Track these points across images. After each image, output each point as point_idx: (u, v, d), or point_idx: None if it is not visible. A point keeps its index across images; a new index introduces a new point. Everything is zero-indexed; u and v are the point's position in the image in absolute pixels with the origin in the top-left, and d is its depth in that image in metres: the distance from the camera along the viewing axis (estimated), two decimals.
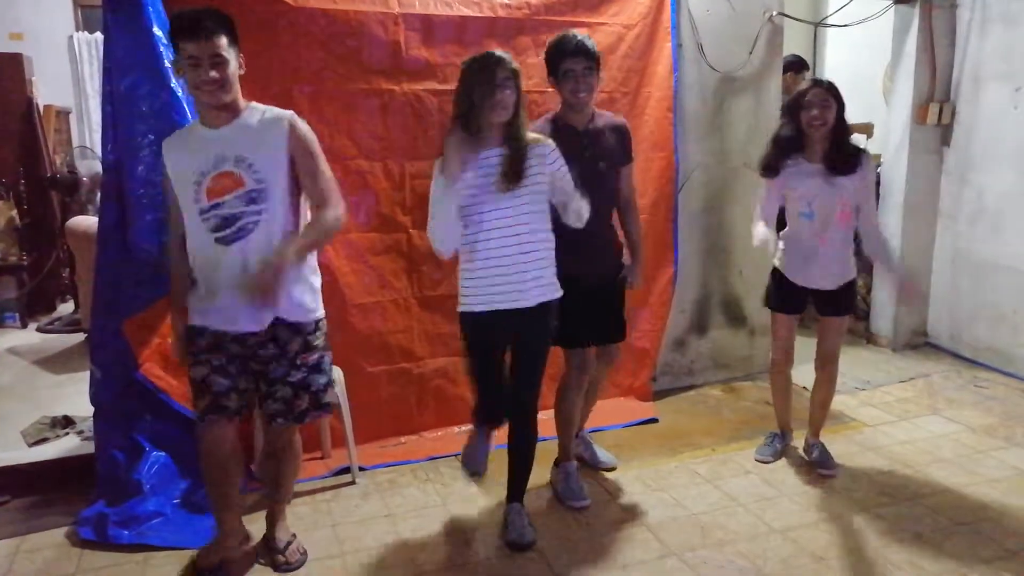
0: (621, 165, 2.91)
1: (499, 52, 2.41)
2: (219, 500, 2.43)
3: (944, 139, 4.54)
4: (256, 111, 2.27)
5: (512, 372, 2.60)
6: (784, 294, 3.07)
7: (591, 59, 2.65)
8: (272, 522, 2.58)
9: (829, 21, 4.79)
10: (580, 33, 2.72)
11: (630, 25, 3.63)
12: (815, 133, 2.85)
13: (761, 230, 2.94)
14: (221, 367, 2.31)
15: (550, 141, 2.49)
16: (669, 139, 3.76)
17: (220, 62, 2.14)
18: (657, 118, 3.73)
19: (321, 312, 2.42)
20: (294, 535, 2.60)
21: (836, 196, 2.88)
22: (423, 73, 3.29)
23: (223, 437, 2.35)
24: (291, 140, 2.24)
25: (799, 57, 5.00)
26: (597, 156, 2.77)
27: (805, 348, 3.23)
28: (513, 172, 2.40)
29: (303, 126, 2.28)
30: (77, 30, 6.47)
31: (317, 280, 2.42)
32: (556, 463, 3.03)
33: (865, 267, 5.07)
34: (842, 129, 2.87)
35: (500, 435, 2.70)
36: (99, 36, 5.66)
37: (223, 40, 2.14)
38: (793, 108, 2.90)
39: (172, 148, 2.30)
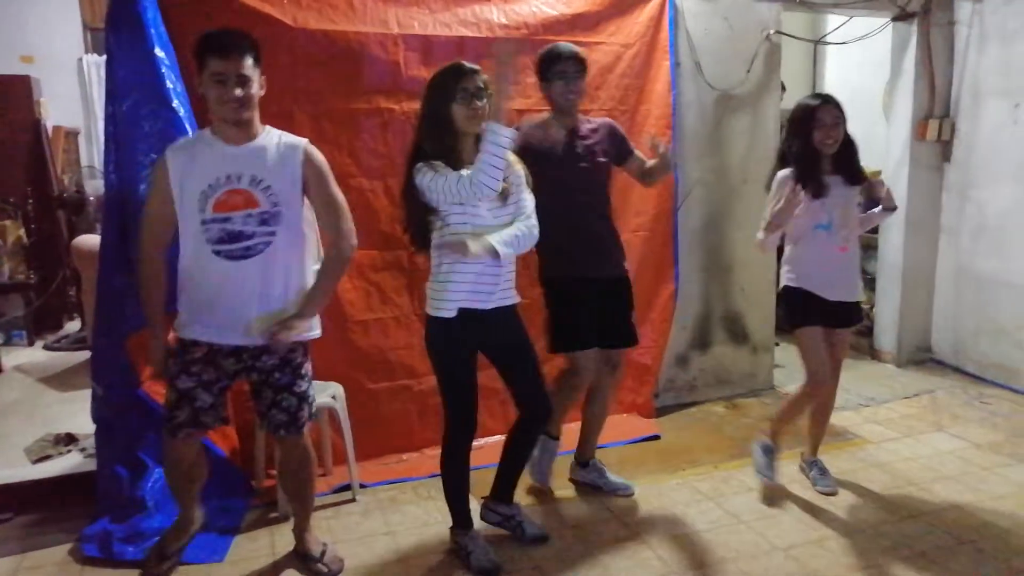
0: (621, 161, 3.05)
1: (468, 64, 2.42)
2: (183, 498, 2.53)
3: (944, 155, 4.55)
4: (273, 135, 2.35)
5: None
6: (811, 309, 2.94)
7: (582, 64, 2.88)
8: (301, 535, 2.63)
9: (828, 39, 4.81)
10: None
11: (628, 44, 3.66)
12: (827, 150, 2.89)
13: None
14: (208, 383, 2.36)
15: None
16: None
17: (245, 81, 2.22)
18: (656, 136, 3.73)
19: (318, 329, 2.49)
20: (325, 544, 2.64)
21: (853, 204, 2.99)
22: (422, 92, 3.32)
23: (192, 449, 2.44)
24: (306, 167, 2.33)
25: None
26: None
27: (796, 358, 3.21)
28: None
29: (318, 154, 2.37)
30: (86, 52, 6.56)
31: None
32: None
33: (867, 283, 5.09)
34: (849, 140, 2.94)
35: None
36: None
37: (249, 60, 2.23)
38: (802, 126, 2.89)
39: (179, 154, 2.30)
